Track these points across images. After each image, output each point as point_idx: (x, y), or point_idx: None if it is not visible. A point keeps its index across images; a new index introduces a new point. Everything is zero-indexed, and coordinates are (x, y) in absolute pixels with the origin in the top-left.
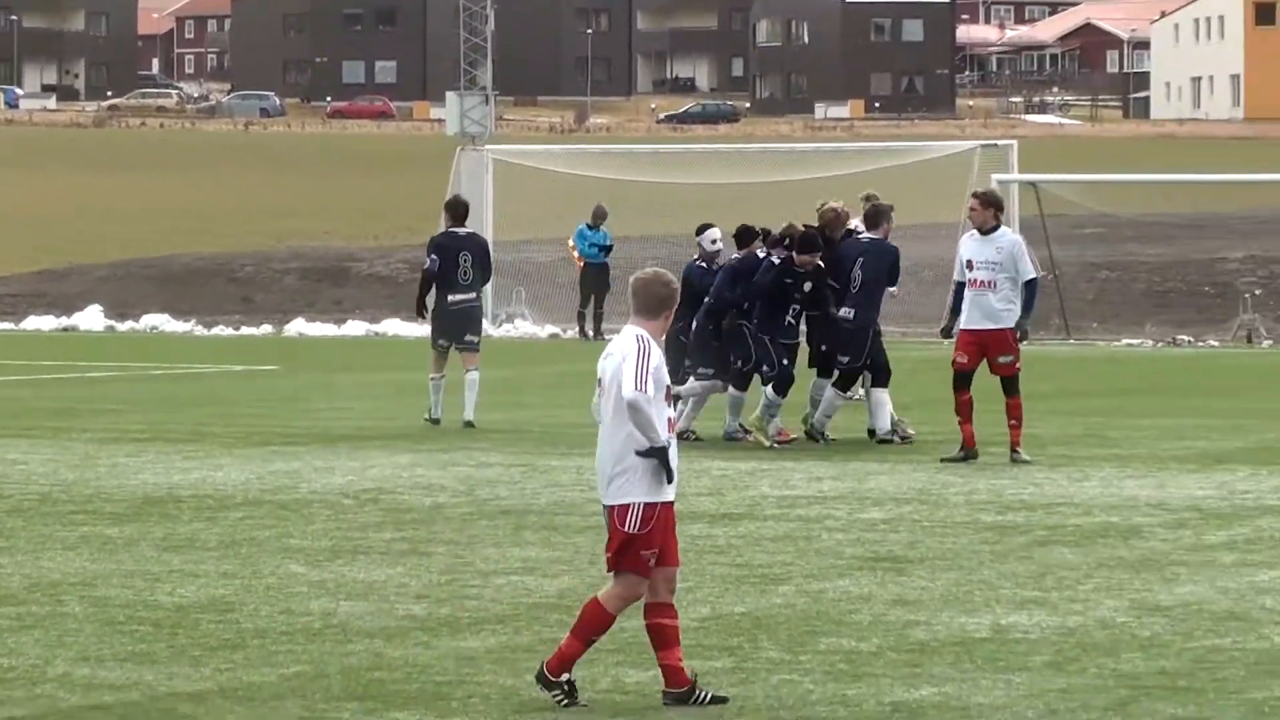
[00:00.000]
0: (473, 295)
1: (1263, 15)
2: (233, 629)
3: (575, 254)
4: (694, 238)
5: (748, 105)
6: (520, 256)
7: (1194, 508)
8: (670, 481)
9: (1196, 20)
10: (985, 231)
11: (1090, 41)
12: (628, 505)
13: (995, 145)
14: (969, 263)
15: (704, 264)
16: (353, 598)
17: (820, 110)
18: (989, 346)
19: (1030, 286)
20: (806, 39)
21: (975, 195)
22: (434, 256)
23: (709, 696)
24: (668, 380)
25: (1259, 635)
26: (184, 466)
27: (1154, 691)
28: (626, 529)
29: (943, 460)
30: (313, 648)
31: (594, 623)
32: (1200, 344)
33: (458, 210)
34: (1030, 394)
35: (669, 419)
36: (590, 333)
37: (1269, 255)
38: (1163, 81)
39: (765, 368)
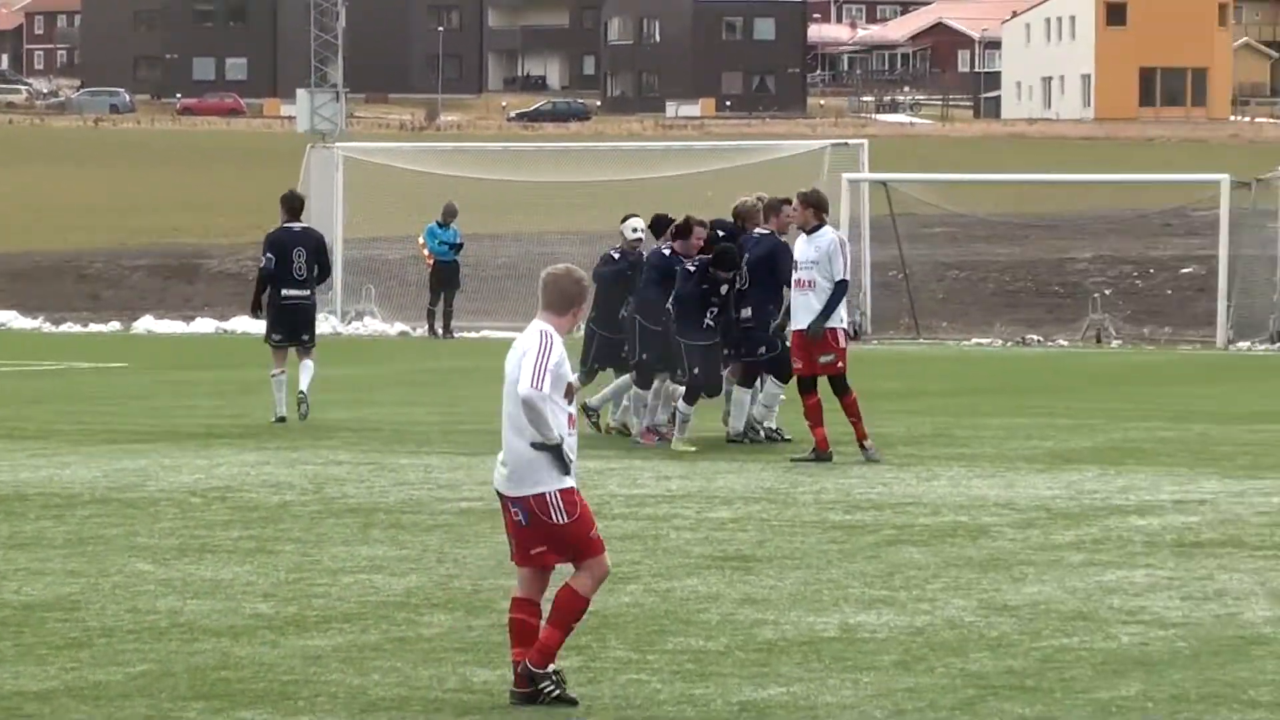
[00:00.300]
0: (307, 292)
1: (1113, 16)
2: (79, 627)
3: (425, 252)
4: (542, 235)
5: (599, 103)
6: (370, 254)
7: (1042, 507)
8: (568, 474)
9: (1048, 20)
10: (809, 231)
11: (941, 41)
12: (543, 495)
13: (846, 144)
14: (795, 263)
15: (615, 253)
16: (200, 596)
17: (671, 109)
18: (811, 347)
19: (839, 288)
20: (658, 37)
21: (798, 195)
22: (269, 255)
23: (555, 695)
24: (570, 377)
25: (1106, 635)
26: (31, 464)
27: (1001, 691)
28: (555, 520)
29: (793, 460)
30: (159, 646)
31: (570, 609)
32: (1050, 344)
33: (293, 205)
34: (879, 393)
35: (569, 415)
36: (440, 330)
37: (1118, 255)
38: (1014, 81)
39: (678, 372)
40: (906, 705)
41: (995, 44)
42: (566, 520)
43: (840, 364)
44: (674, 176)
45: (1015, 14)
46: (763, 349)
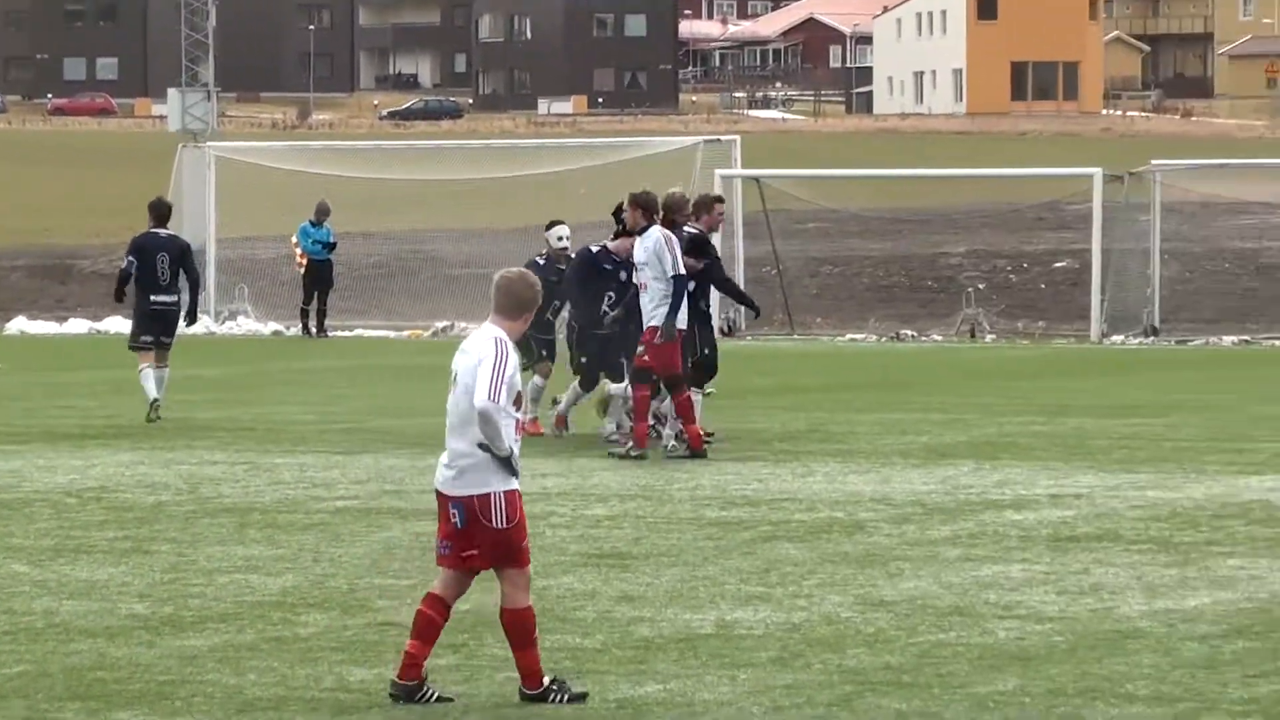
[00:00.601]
0: (173, 298)
1: (985, 10)
2: None
3: (298, 251)
4: (415, 234)
5: (470, 101)
6: (243, 253)
7: (917, 502)
8: (515, 476)
9: (919, 15)
10: (639, 233)
11: (813, 36)
12: (488, 495)
13: (718, 141)
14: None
15: (540, 260)
16: (75, 597)
17: (543, 106)
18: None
19: (676, 283)
20: (529, 34)
21: (629, 196)
22: (131, 259)
23: (434, 695)
24: (520, 386)
25: (983, 630)
26: None
27: (879, 687)
28: (495, 524)
29: (667, 456)
30: (35, 647)
31: (523, 628)
32: (924, 339)
33: (160, 211)
34: (754, 389)
35: (516, 421)
36: (313, 330)
37: (991, 249)
38: (885, 76)
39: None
40: (784, 702)
41: (867, 39)
42: (506, 525)
43: (650, 361)
44: (547, 174)
45: (886, 9)
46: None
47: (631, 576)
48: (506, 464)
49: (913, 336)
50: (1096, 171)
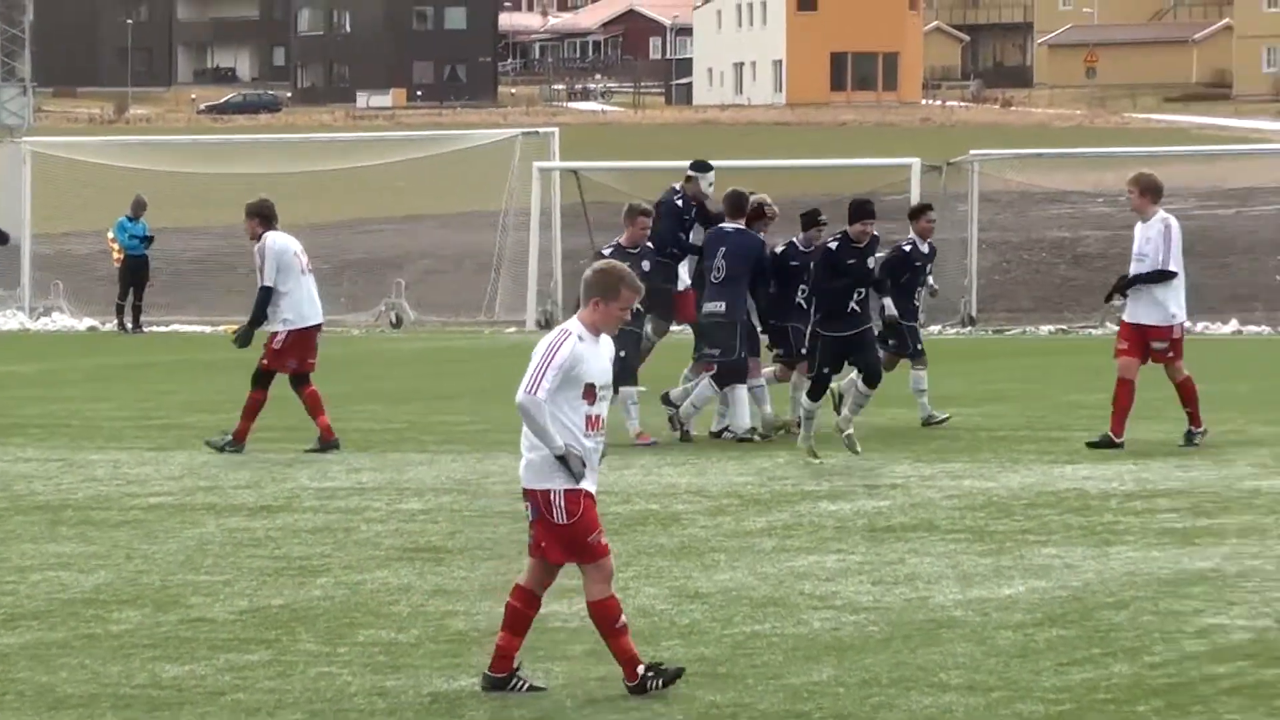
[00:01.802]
0: None
1: (804, 1)
2: None
3: (115, 246)
4: (232, 228)
5: (289, 95)
6: (60, 249)
7: (733, 494)
8: (578, 481)
9: (739, 6)
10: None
11: (633, 28)
12: (547, 491)
13: (537, 133)
14: None
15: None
16: None
17: (362, 99)
18: None
19: None
20: (349, 27)
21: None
22: None
23: (526, 685)
24: (590, 378)
25: (797, 620)
26: None
27: (693, 679)
28: (555, 519)
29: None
30: None
31: (604, 618)
32: None
33: None
34: None
35: (589, 416)
36: (129, 325)
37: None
38: (705, 68)
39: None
40: (598, 694)
41: (687, 30)
42: (566, 521)
43: None
44: (366, 167)
45: (706, 1)
46: (716, 350)
47: (446, 570)
48: (562, 464)
49: None
50: (915, 161)
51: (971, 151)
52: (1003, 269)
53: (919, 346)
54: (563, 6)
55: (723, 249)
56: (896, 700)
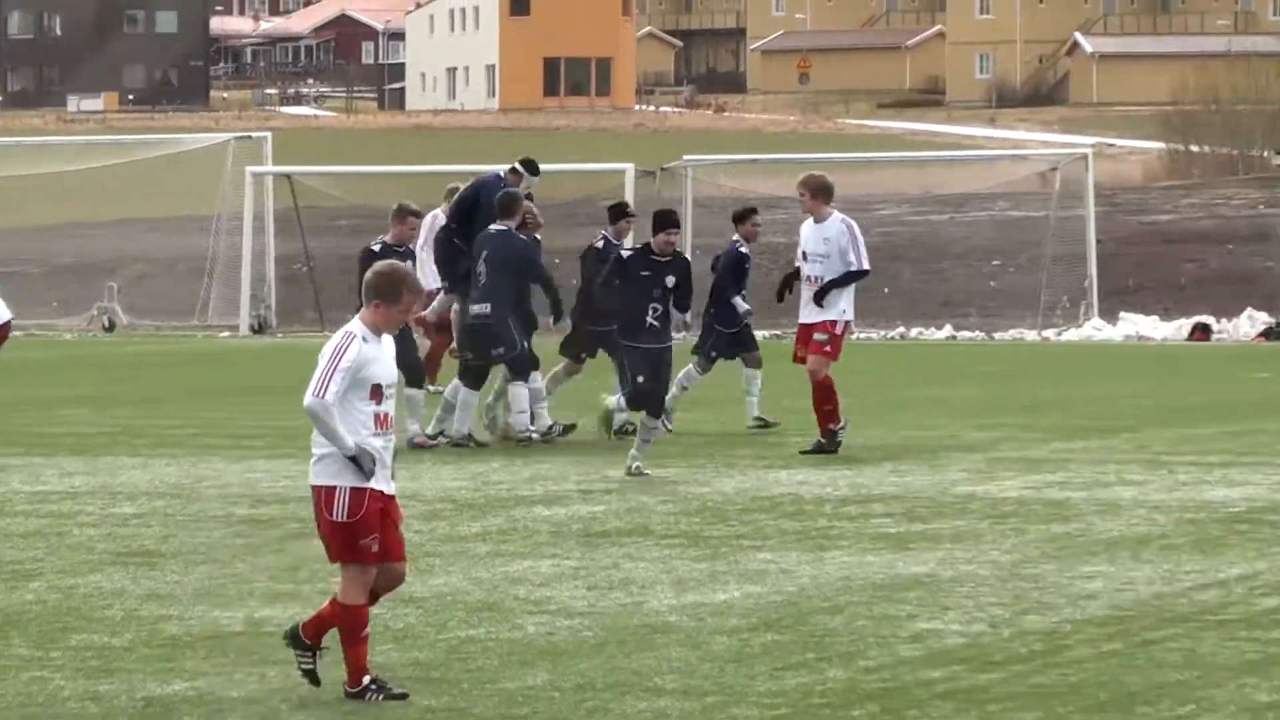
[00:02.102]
0: None
1: (517, 6)
2: None
3: None
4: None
5: (1, 99)
6: None
7: (448, 499)
8: (368, 480)
9: (452, 11)
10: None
11: (345, 32)
12: (333, 488)
13: (249, 137)
14: None
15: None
16: None
17: (73, 103)
18: None
19: None
20: (59, 30)
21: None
22: None
23: (381, 699)
24: (377, 378)
25: (512, 625)
26: None
27: (408, 682)
28: (335, 516)
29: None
30: None
31: (357, 623)
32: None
33: None
34: (283, 387)
35: (376, 415)
36: None
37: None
38: (418, 73)
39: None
40: (315, 698)
41: (399, 35)
42: (346, 519)
43: None
44: (77, 171)
45: (419, 5)
46: (500, 349)
47: (160, 574)
48: (356, 463)
49: None
50: (629, 167)
51: (685, 157)
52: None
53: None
54: (274, 11)
55: (485, 252)
56: (611, 705)
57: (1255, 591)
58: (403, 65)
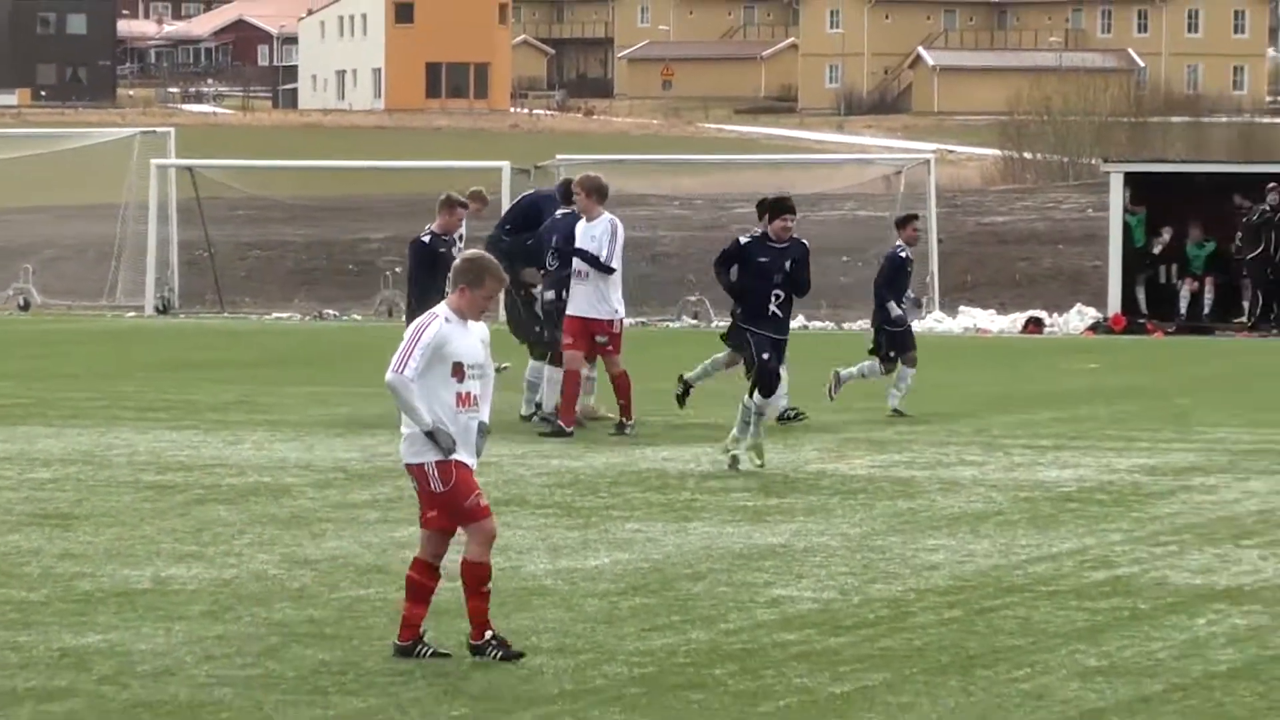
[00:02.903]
0: None
1: (401, 14)
2: None
3: None
4: None
5: None
6: None
7: (340, 469)
8: (447, 455)
9: (341, 18)
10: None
11: (243, 36)
12: (422, 465)
13: (154, 132)
14: None
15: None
16: None
17: None
18: None
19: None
20: None
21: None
22: None
23: (431, 651)
24: (458, 356)
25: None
26: None
27: (304, 639)
28: (434, 488)
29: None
30: None
31: (472, 577)
32: (345, 318)
33: None
34: (188, 363)
35: (459, 393)
36: None
37: (408, 236)
38: (310, 75)
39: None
40: (215, 651)
41: (293, 39)
42: (443, 488)
43: None
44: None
45: (311, 12)
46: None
47: (74, 535)
48: (430, 437)
49: (335, 316)
50: (505, 165)
51: (557, 156)
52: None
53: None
54: (177, 15)
55: (556, 242)
56: (492, 661)
57: (1084, 565)
58: (295, 67)
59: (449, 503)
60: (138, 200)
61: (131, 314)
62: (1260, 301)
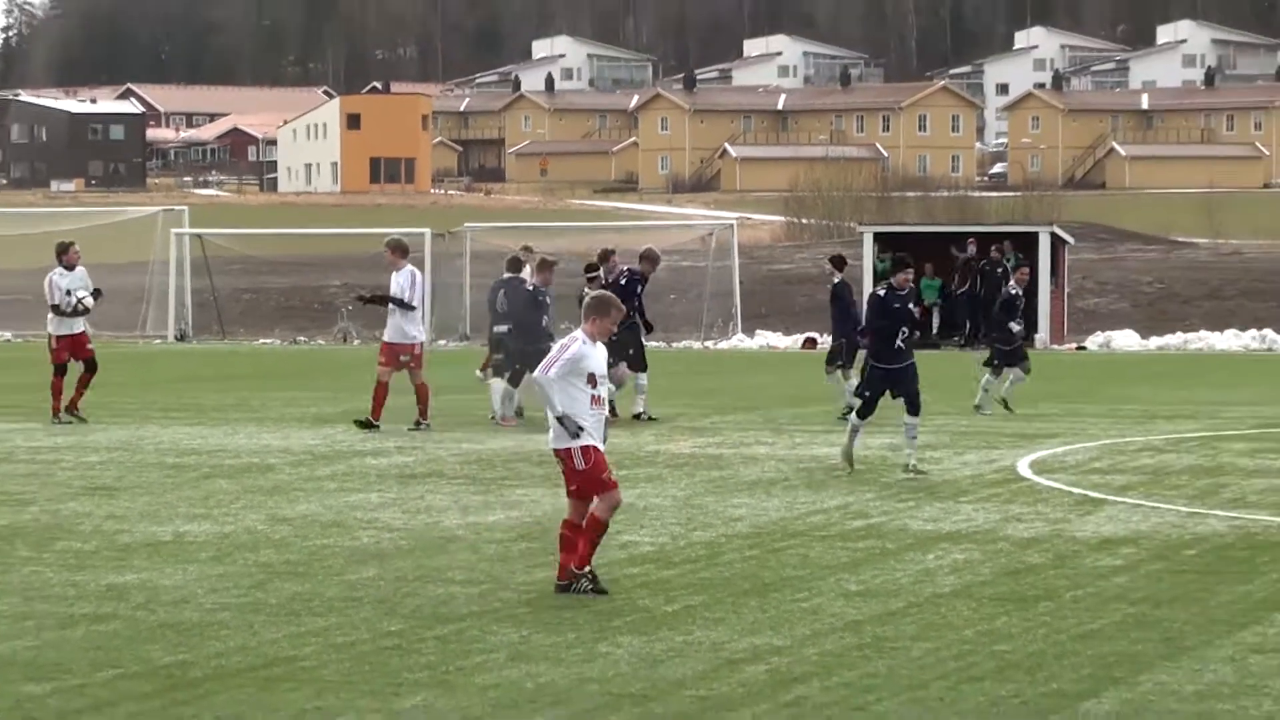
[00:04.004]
0: None
1: (352, 122)
2: None
3: None
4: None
5: (4, 181)
6: None
7: (308, 452)
8: (574, 437)
9: (308, 125)
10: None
11: (237, 140)
12: (569, 449)
13: (173, 210)
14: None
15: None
16: None
17: (55, 185)
18: None
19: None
20: (45, 138)
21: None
22: None
23: (589, 588)
24: (592, 368)
25: (352, 537)
26: None
27: (283, 575)
28: (578, 467)
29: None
30: None
31: (595, 528)
32: (313, 343)
33: None
34: (200, 377)
35: (593, 396)
36: None
37: (359, 283)
38: (286, 167)
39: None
40: (218, 586)
41: (273, 141)
42: (585, 467)
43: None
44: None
45: (286, 121)
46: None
47: (115, 502)
48: (560, 422)
49: (305, 340)
50: (426, 231)
51: (465, 224)
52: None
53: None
54: (189, 125)
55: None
56: (419, 590)
57: (847, 516)
58: (275, 162)
59: (588, 477)
60: (161, 259)
61: (158, 341)
62: (970, 325)
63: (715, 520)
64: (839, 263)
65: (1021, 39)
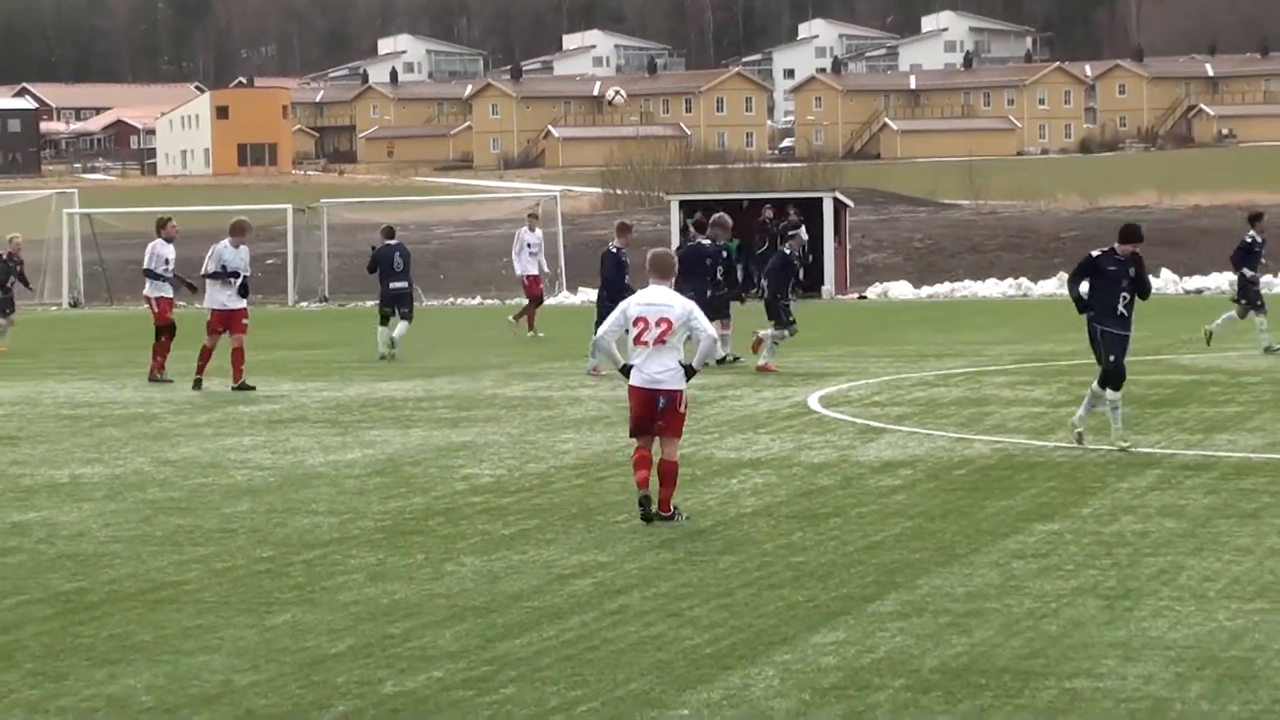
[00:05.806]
0: None
1: (221, 113)
2: None
3: None
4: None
5: None
6: None
7: (189, 402)
8: (628, 378)
9: (183, 116)
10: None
11: (121, 129)
12: (681, 391)
13: (65, 192)
14: None
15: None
16: None
17: None
18: None
19: None
20: None
21: None
22: None
23: (685, 520)
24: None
25: (228, 476)
26: None
27: (167, 511)
28: (682, 409)
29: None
30: None
31: (673, 472)
32: (189, 307)
33: None
34: (93, 337)
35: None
36: None
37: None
38: (164, 153)
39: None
40: (111, 521)
41: (153, 131)
42: (684, 410)
43: None
44: None
45: (163, 114)
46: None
47: (18, 450)
48: (623, 372)
49: (183, 305)
50: (289, 207)
51: (323, 200)
52: (345, 269)
53: (1259, 303)
54: (78, 118)
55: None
56: (288, 521)
57: None
58: (155, 149)
59: (682, 420)
60: (54, 236)
61: (54, 308)
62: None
63: (546, 454)
64: (700, 227)
65: (805, 30)
